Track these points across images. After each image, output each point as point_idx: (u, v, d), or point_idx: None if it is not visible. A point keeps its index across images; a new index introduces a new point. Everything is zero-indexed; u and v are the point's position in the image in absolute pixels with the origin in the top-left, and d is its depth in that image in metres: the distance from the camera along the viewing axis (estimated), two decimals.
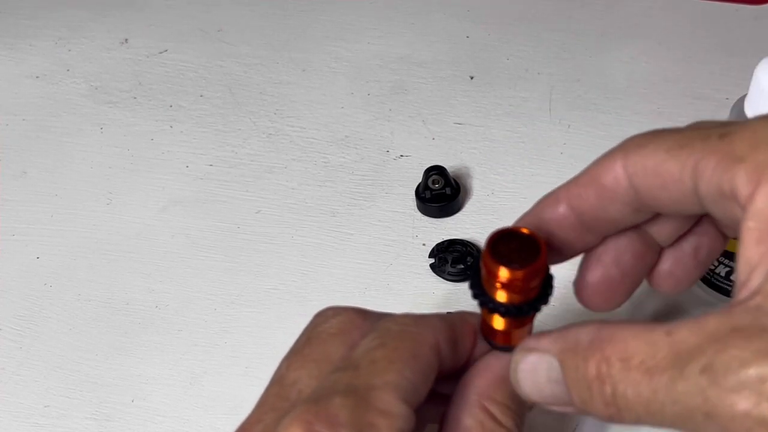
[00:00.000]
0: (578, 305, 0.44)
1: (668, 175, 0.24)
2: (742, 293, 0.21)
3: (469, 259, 0.46)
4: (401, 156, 0.54)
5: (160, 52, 0.65)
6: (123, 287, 0.47)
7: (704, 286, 0.44)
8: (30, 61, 0.65)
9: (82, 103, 0.61)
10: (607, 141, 0.57)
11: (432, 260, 0.46)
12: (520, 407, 0.30)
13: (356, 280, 0.46)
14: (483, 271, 0.28)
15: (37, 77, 0.63)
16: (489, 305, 0.28)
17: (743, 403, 0.19)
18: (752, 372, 0.19)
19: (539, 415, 0.39)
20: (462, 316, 0.31)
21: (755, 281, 0.21)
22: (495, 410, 0.29)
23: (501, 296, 0.28)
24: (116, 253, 0.49)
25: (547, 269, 0.29)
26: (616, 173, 0.26)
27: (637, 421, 0.22)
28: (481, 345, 0.31)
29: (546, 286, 0.29)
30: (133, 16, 0.69)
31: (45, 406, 0.42)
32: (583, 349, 0.23)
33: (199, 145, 0.56)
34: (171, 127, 0.58)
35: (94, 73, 0.63)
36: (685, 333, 0.21)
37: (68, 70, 0.64)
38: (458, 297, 0.45)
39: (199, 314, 0.45)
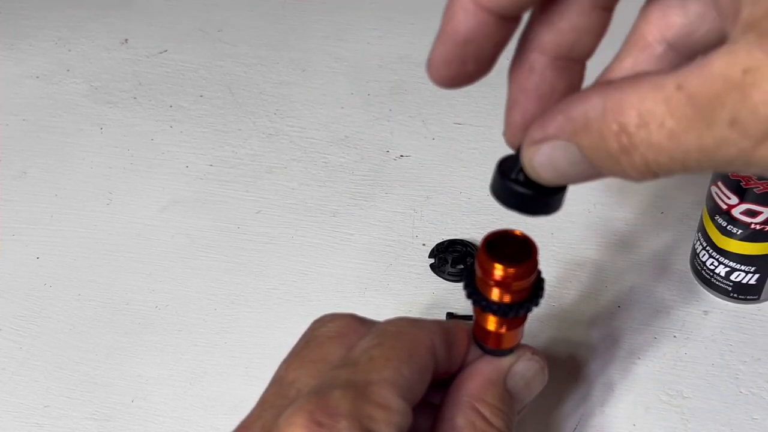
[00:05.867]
0: (572, 307, 0.44)
1: None
2: (735, 28, 0.19)
3: (469, 259, 0.46)
4: (401, 156, 0.54)
5: (160, 52, 0.65)
6: (123, 287, 0.47)
7: (704, 285, 0.44)
8: (30, 61, 0.65)
9: (82, 103, 0.61)
10: None
11: (432, 260, 0.46)
12: (510, 409, 0.31)
13: (356, 280, 0.46)
14: (477, 271, 0.29)
15: (37, 77, 0.63)
16: (482, 303, 0.29)
17: None
18: None
19: (538, 416, 0.39)
20: (456, 322, 0.32)
21: (746, 12, 0.19)
22: (486, 411, 0.30)
23: (494, 295, 0.29)
24: (116, 253, 0.49)
25: (539, 272, 0.29)
26: None
27: (675, 174, 0.21)
28: (474, 351, 0.32)
29: (537, 287, 0.30)
30: (133, 16, 0.69)
31: (45, 406, 0.41)
32: (597, 125, 0.21)
33: (199, 145, 0.56)
34: (171, 127, 0.58)
35: (94, 73, 0.63)
36: (696, 83, 0.19)
37: (68, 70, 0.64)
38: (458, 297, 0.45)
39: (199, 314, 0.45)
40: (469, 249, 0.46)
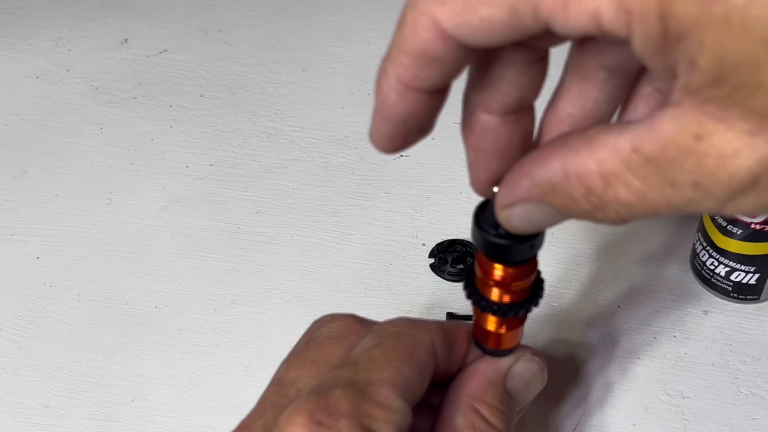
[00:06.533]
0: (572, 307, 0.44)
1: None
2: (676, 90, 0.19)
3: (469, 259, 0.46)
4: (401, 156, 0.54)
5: (160, 52, 0.65)
6: (123, 287, 0.47)
7: (704, 285, 0.44)
8: (30, 61, 0.65)
9: (82, 103, 0.61)
10: None
11: (432, 260, 0.46)
12: (509, 409, 0.31)
13: (356, 280, 0.46)
14: (477, 271, 0.29)
15: (37, 77, 0.63)
16: (482, 304, 0.29)
17: (746, 203, 0.19)
18: (743, 176, 0.19)
19: (539, 416, 0.39)
20: (457, 322, 0.32)
21: (683, 79, 0.19)
22: (485, 411, 0.30)
23: (494, 295, 0.29)
24: (116, 253, 0.49)
25: (539, 272, 0.29)
26: (426, 36, 0.21)
27: (653, 217, 0.21)
28: (474, 351, 0.32)
29: (537, 288, 0.30)
30: (133, 16, 0.69)
31: (45, 406, 0.41)
32: (563, 189, 0.22)
33: (199, 145, 0.56)
34: (171, 127, 0.58)
35: (94, 73, 0.63)
36: (650, 146, 0.19)
37: (68, 70, 0.64)
38: (458, 297, 0.45)
39: (199, 314, 0.45)
40: (469, 249, 0.46)
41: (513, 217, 0.24)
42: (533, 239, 0.26)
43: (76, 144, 0.57)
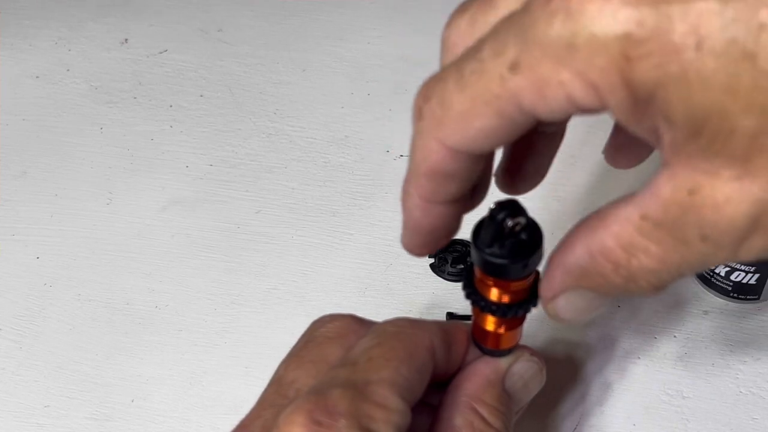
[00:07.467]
0: None
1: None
2: (664, 151, 0.20)
3: (468, 259, 0.46)
4: (401, 156, 0.54)
5: (160, 52, 0.65)
6: (123, 287, 0.47)
7: (704, 285, 0.44)
8: (30, 61, 0.65)
9: (82, 103, 0.61)
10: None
11: (432, 260, 0.46)
12: (508, 409, 0.31)
13: (356, 280, 0.46)
14: (476, 271, 0.29)
15: (37, 77, 0.63)
16: (481, 304, 0.29)
17: (756, 246, 0.20)
18: (742, 220, 0.19)
19: (537, 416, 0.39)
20: (456, 322, 0.32)
21: (667, 137, 0.20)
22: (484, 411, 0.30)
23: (493, 295, 0.29)
24: (116, 253, 0.49)
25: (538, 272, 0.29)
26: (436, 156, 0.24)
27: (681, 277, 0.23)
28: (473, 351, 0.32)
29: (536, 288, 0.30)
30: (133, 16, 0.69)
31: (45, 406, 0.42)
32: (593, 269, 0.23)
33: (199, 145, 0.56)
34: (171, 127, 0.58)
35: (94, 73, 0.63)
36: (655, 211, 0.21)
37: (68, 70, 0.64)
38: (458, 297, 0.45)
39: (199, 314, 0.45)
40: (469, 249, 0.46)
41: (559, 309, 0.26)
42: (528, 258, 0.27)
43: (76, 144, 0.57)
